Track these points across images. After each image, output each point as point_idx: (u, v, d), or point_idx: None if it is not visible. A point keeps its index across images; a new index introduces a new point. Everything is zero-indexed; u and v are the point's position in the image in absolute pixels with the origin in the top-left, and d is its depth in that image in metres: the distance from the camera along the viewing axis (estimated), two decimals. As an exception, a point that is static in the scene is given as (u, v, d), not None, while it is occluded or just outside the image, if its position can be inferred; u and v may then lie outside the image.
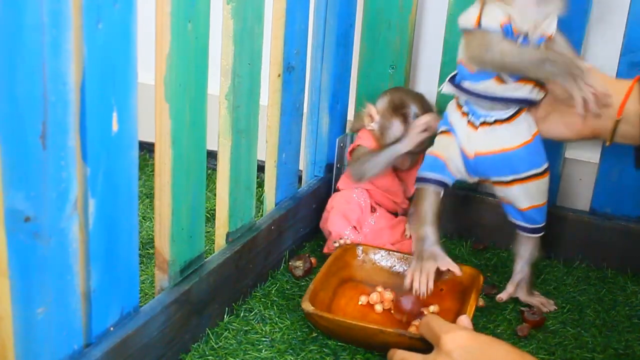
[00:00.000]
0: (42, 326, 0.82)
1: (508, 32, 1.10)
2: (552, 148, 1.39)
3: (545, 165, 1.21)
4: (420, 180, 1.21)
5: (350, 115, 1.54)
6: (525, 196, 1.20)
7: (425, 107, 1.35)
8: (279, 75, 1.26)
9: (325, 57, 1.41)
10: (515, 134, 1.17)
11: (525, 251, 1.25)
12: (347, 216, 1.34)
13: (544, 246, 1.31)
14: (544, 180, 1.21)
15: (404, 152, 1.32)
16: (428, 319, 1.00)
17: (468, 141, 1.18)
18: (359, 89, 1.51)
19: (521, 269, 1.26)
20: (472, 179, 1.22)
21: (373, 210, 1.36)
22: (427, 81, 1.51)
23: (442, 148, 1.21)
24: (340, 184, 1.42)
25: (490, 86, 1.13)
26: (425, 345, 1.03)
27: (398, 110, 1.34)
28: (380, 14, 1.45)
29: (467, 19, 1.13)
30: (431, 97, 1.46)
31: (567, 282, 1.34)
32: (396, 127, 1.34)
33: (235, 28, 1.09)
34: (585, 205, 1.43)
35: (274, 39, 1.24)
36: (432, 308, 1.18)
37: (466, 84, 1.15)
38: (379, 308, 1.20)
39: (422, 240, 1.19)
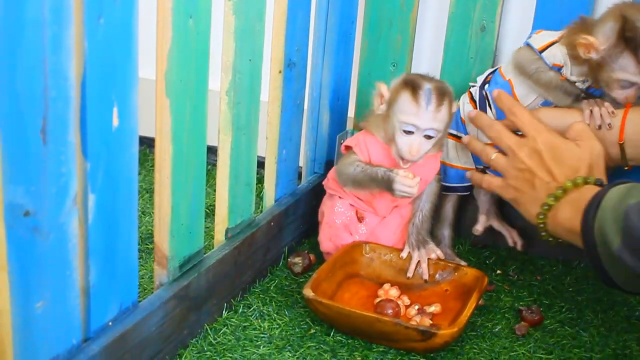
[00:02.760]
0: (40, 321, 0.82)
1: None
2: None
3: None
4: (447, 189, 1.36)
5: (351, 113, 1.54)
6: None
7: (440, 87, 1.20)
8: (279, 72, 1.26)
9: (326, 54, 1.41)
10: None
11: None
12: (336, 226, 1.32)
13: (543, 246, 1.31)
14: None
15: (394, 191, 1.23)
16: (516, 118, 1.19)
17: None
18: (359, 87, 1.51)
19: (487, 199, 1.37)
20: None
21: (360, 219, 1.32)
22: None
23: (458, 159, 1.35)
24: (326, 182, 1.36)
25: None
26: (421, 336, 1.04)
27: (409, 83, 1.20)
28: (381, 11, 1.45)
29: (537, 40, 1.25)
30: None
31: (565, 281, 1.34)
32: (404, 100, 1.19)
33: (236, 24, 1.09)
34: (584, 205, 1.42)
35: (275, 36, 1.24)
36: (433, 308, 1.19)
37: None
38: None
39: (438, 240, 1.35)
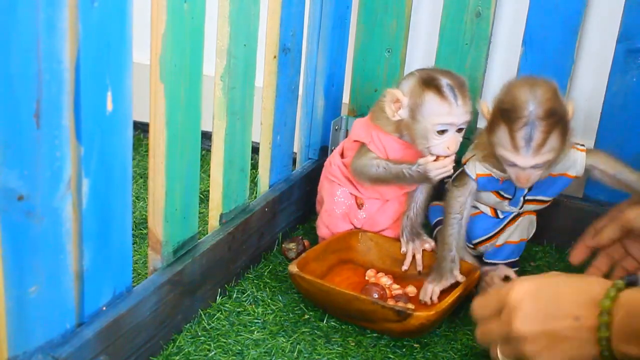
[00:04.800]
0: (34, 305, 0.82)
1: (484, 183, 1.19)
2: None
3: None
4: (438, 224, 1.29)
5: (346, 98, 1.53)
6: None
7: (457, 78, 1.18)
8: (274, 57, 1.25)
9: (321, 40, 1.40)
10: None
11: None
12: (335, 215, 1.32)
13: (538, 231, 1.32)
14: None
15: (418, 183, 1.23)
16: (480, 300, 0.90)
17: None
18: (354, 72, 1.51)
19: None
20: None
21: (360, 206, 1.32)
22: (423, 65, 1.50)
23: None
24: (328, 168, 1.34)
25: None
26: (397, 316, 1.06)
27: (429, 83, 1.16)
28: (377, -4, 1.44)
29: (465, 155, 1.23)
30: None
31: (558, 267, 1.35)
32: (430, 100, 1.16)
33: (231, 8, 1.08)
34: (578, 192, 1.43)
35: (270, 20, 1.23)
36: (410, 288, 1.20)
37: None
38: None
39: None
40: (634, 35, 1.30)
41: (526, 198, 1.21)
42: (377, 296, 1.14)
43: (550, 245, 1.41)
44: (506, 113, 1.07)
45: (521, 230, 1.27)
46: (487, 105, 1.14)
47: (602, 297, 0.79)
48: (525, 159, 1.07)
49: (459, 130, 1.18)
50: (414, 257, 1.26)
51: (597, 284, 0.81)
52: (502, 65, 1.47)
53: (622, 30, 1.30)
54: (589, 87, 1.43)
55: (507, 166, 1.11)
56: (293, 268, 1.14)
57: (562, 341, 0.81)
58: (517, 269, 1.26)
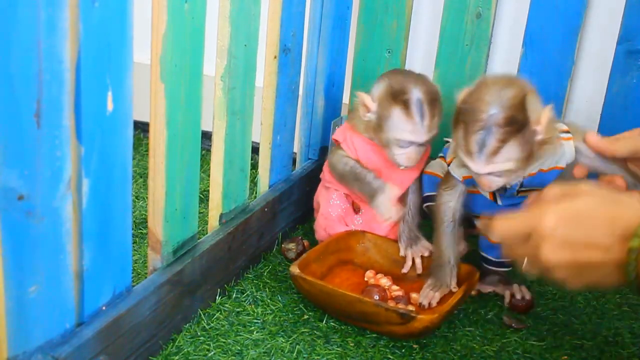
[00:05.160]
0: (34, 305, 0.82)
1: (470, 183, 1.15)
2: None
3: None
4: (428, 198, 1.27)
5: (346, 99, 1.53)
6: None
7: (429, 92, 1.17)
8: (275, 57, 1.25)
9: (321, 40, 1.40)
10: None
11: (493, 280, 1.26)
12: (332, 218, 1.32)
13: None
14: None
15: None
16: (504, 223, 0.87)
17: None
18: (354, 72, 1.51)
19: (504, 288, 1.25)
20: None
21: (357, 210, 1.32)
22: (423, 66, 1.51)
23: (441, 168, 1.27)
24: (322, 174, 1.35)
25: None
26: (401, 319, 1.05)
27: (398, 96, 1.16)
28: (377, -3, 1.44)
29: (448, 153, 1.21)
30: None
31: (558, 269, 1.34)
32: (397, 117, 1.16)
33: (231, 9, 1.08)
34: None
35: (270, 21, 1.23)
36: (415, 295, 1.19)
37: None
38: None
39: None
40: (634, 36, 1.30)
41: (520, 189, 1.18)
42: (377, 297, 1.13)
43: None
44: (465, 113, 1.04)
45: None
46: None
47: (633, 232, 0.78)
48: (478, 165, 1.04)
49: (423, 144, 1.20)
50: (413, 261, 1.26)
51: (631, 209, 0.80)
52: (502, 66, 1.47)
53: (623, 31, 1.30)
54: (589, 88, 1.43)
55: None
56: (294, 269, 1.14)
57: (591, 269, 0.81)
58: (510, 268, 1.25)
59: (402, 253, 1.27)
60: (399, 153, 1.19)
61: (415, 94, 1.15)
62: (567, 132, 1.13)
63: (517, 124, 1.01)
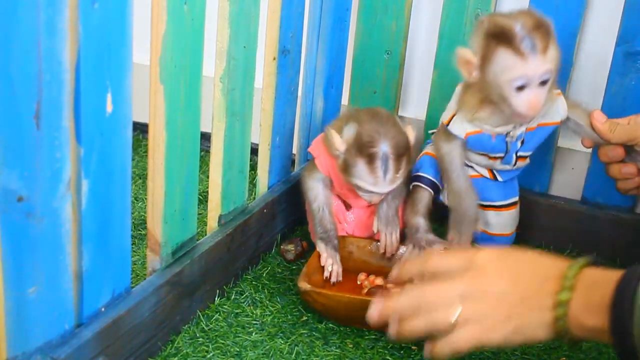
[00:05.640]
0: (33, 306, 0.82)
1: (474, 141, 1.17)
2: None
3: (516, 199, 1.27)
4: (415, 178, 1.26)
5: (345, 100, 1.53)
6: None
7: (397, 146, 1.14)
8: (274, 59, 1.25)
9: (320, 41, 1.41)
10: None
11: None
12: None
13: (536, 233, 1.32)
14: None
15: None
16: (441, 257, 0.90)
17: None
18: (353, 74, 1.51)
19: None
20: None
21: (348, 207, 1.32)
22: (422, 67, 1.51)
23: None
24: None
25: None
26: None
27: (365, 149, 1.14)
28: (376, -2, 1.44)
29: (445, 114, 1.21)
30: (426, 84, 1.46)
31: (557, 270, 1.34)
32: (361, 168, 1.14)
33: (231, 10, 1.08)
34: (576, 195, 1.43)
35: (269, 22, 1.23)
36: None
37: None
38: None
39: (415, 229, 1.24)
40: (633, 37, 1.30)
41: (518, 155, 1.20)
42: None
43: (549, 248, 1.41)
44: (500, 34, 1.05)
45: (513, 220, 1.28)
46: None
47: (565, 272, 0.80)
48: (534, 64, 1.05)
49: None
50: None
51: (560, 261, 0.83)
52: (501, 68, 1.47)
53: (621, 32, 1.31)
54: (588, 90, 1.43)
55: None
56: (305, 285, 1.11)
57: (525, 303, 0.81)
58: None
59: (375, 228, 1.26)
60: (362, 194, 1.19)
61: (383, 148, 1.13)
62: (557, 90, 1.19)
63: (548, 24, 1.07)
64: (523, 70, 1.05)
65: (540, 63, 1.05)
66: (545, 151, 1.40)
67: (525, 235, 1.41)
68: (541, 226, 1.41)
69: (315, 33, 1.40)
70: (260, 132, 1.29)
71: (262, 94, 1.27)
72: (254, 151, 1.30)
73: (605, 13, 1.37)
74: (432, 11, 1.48)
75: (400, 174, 1.16)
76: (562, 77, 1.36)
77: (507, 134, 1.17)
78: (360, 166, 1.15)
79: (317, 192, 1.26)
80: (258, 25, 1.16)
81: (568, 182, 1.46)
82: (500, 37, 1.06)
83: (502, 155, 1.19)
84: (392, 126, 1.16)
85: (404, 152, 1.15)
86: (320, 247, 1.23)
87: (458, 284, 0.83)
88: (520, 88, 1.06)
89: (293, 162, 1.46)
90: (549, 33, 1.06)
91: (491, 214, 1.27)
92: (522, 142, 1.18)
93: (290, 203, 1.37)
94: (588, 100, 1.43)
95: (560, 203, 1.41)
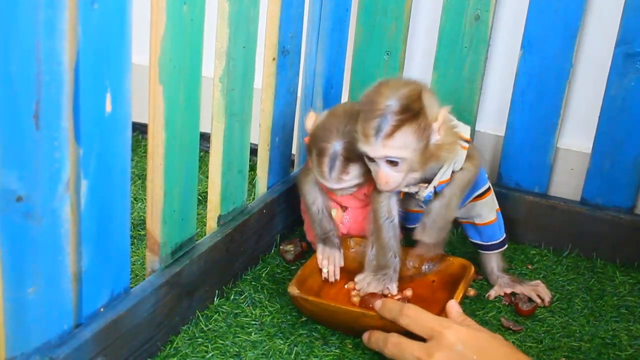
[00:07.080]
0: (32, 306, 0.82)
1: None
2: (545, 137, 1.40)
3: (485, 187, 1.25)
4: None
5: (345, 100, 1.53)
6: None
7: (350, 152, 1.13)
8: (273, 59, 1.25)
9: (320, 42, 1.41)
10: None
11: (490, 265, 1.28)
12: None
13: (535, 234, 1.32)
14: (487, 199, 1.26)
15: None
16: (415, 314, 0.98)
17: None
18: (353, 74, 1.51)
19: (498, 276, 1.27)
20: None
21: (344, 209, 1.31)
22: (422, 68, 1.51)
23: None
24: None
25: None
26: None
27: (317, 143, 1.16)
28: (376, -1, 1.44)
29: None
30: (426, 84, 1.46)
31: (556, 271, 1.35)
32: (313, 158, 1.17)
33: (230, 10, 1.08)
34: (576, 195, 1.43)
35: (269, 22, 1.23)
36: (408, 292, 1.19)
37: None
38: (355, 299, 1.19)
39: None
40: (632, 39, 1.30)
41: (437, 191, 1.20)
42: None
43: (548, 249, 1.42)
44: (365, 104, 1.07)
45: (490, 205, 1.27)
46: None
47: None
48: (375, 147, 1.05)
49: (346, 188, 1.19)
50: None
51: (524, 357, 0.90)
52: (501, 69, 1.47)
53: (621, 34, 1.31)
54: (587, 91, 1.43)
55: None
56: (293, 290, 1.11)
57: None
58: (505, 247, 1.27)
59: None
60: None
61: (335, 147, 1.14)
62: (469, 141, 1.16)
63: (411, 111, 1.05)
64: (365, 148, 1.08)
65: (380, 147, 1.06)
66: (545, 152, 1.40)
67: (525, 236, 1.41)
68: (541, 226, 1.41)
69: (314, 33, 1.40)
70: (260, 132, 1.29)
71: (262, 95, 1.27)
72: (254, 151, 1.30)
73: (605, 14, 1.37)
74: (432, 11, 1.48)
75: (349, 177, 1.16)
76: (562, 78, 1.36)
77: (416, 193, 1.17)
78: (313, 156, 1.17)
79: (314, 196, 1.26)
80: (257, 26, 1.16)
81: (567, 182, 1.46)
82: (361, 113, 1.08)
83: (419, 204, 1.22)
84: (351, 127, 1.14)
85: (356, 158, 1.14)
86: (318, 248, 1.23)
87: (414, 348, 0.94)
88: (371, 159, 1.09)
89: (292, 162, 1.46)
90: (408, 120, 1.05)
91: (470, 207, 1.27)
92: (435, 193, 1.17)
93: (289, 203, 1.37)
94: (588, 100, 1.43)
95: (560, 204, 1.41)
